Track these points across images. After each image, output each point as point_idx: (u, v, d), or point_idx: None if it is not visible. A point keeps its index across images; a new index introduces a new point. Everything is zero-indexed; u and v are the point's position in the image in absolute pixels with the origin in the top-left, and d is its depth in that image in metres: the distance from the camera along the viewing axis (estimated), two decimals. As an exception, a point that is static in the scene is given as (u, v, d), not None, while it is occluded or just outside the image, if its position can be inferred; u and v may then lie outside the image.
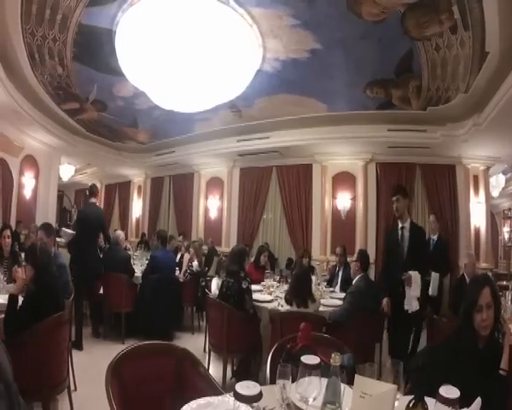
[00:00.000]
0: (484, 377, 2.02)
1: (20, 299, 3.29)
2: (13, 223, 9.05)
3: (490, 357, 2.15)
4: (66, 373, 3.59)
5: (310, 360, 1.67)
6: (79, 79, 7.68)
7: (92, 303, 6.50)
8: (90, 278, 6.27)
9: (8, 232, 5.12)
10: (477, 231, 9.48)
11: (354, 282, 5.10)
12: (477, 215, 9.47)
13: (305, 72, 6.76)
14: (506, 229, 15.46)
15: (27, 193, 10.51)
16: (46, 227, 5.00)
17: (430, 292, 6.36)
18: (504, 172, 11.61)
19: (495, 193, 11.94)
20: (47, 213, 10.98)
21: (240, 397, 1.43)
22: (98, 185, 17.24)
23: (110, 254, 6.71)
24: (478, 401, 1.69)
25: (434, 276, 6.44)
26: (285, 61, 6.51)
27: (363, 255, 5.30)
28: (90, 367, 4.83)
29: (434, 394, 1.53)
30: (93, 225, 6.46)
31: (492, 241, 10.80)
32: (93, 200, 6.66)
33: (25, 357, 2.88)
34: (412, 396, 1.49)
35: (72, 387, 4.05)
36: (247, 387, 1.47)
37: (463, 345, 2.21)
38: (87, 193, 6.78)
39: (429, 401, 1.47)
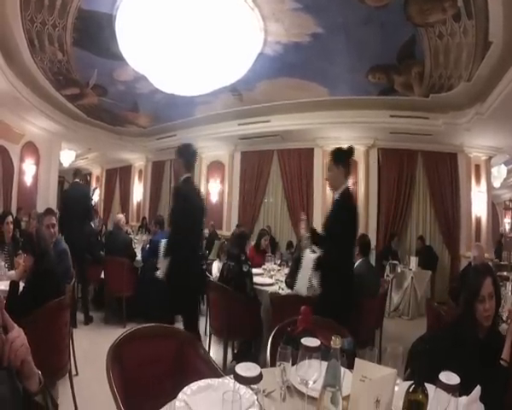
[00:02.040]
0: (484, 366, 2.02)
1: (21, 286, 3.29)
2: (13, 210, 9.06)
3: (490, 347, 2.15)
4: (67, 358, 3.59)
5: (310, 342, 1.67)
6: (79, 65, 7.65)
7: (84, 287, 6.42)
8: (78, 261, 5.91)
9: (10, 218, 5.14)
10: (478, 221, 9.51)
11: (355, 266, 5.10)
12: (478, 205, 9.49)
13: (306, 56, 6.72)
14: (507, 220, 15.46)
15: (28, 180, 10.55)
16: (51, 211, 5.04)
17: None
18: (506, 164, 11.60)
19: (496, 184, 11.92)
20: (48, 199, 10.98)
21: (240, 379, 1.43)
22: (99, 170, 17.32)
23: (111, 239, 6.71)
24: (477, 390, 1.69)
25: (307, 257, 4.35)
26: (286, 45, 6.47)
27: (363, 240, 5.29)
28: (92, 352, 4.86)
29: (434, 380, 1.53)
30: (77, 206, 6.39)
31: (493, 231, 10.81)
32: (77, 180, 6.73)
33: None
34: (412, 382, 1.50)
35: (74, 371, 4.06)
36: (247, 368, 1.47)
37: (464, 335, 2.20)
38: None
39: (429, 387, 1.48)
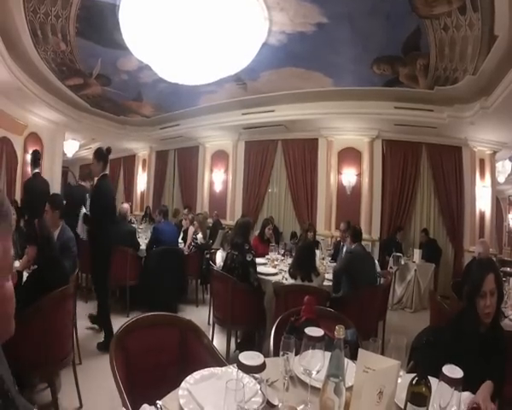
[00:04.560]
0: (484, 360, 2.03)
1: (25, 276, 3.30)
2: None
3: (491, 342, 2.16)
4: (70, 347, 3.59)
5: (314, 332, 1.67)
6: (83, 55, 7.63)
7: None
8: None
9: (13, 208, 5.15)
10: (482, 216, 9.50)
11: (349, 250, 5.25)
12: (482, 199, 9.47)
13: (311, 46, 6.66)
14: (511, 215, 15.38)
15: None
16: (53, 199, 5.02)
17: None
18: (511, 159, 11.52)
19: (501, 179, 11.85)
20: (51, 189, 10.92)
21: (243, 367, 1.43)
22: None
23: (115, 228, 6.71)
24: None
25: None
26: (291, 35, 6.41)
27: (353, 230, 5.45)
28: (95, 340, 4.89)
29: (436, 373, 1.54)
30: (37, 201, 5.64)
31: (497, 227, 10.76)
32: (37, 170, 7.13)
33: (30, 331, 2.88)
34: (415, 374, 1.50)
35: (77, 361, 4.07)
36: (250, 357, 1.47)
37: (466, 329, 2.21)
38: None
39: (431, 380, 1.48)
